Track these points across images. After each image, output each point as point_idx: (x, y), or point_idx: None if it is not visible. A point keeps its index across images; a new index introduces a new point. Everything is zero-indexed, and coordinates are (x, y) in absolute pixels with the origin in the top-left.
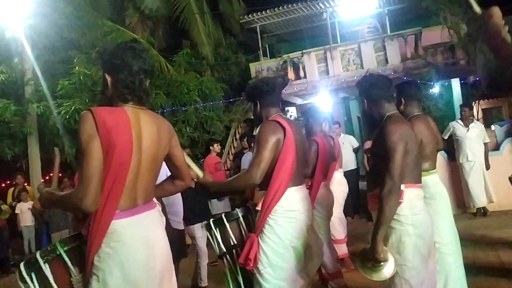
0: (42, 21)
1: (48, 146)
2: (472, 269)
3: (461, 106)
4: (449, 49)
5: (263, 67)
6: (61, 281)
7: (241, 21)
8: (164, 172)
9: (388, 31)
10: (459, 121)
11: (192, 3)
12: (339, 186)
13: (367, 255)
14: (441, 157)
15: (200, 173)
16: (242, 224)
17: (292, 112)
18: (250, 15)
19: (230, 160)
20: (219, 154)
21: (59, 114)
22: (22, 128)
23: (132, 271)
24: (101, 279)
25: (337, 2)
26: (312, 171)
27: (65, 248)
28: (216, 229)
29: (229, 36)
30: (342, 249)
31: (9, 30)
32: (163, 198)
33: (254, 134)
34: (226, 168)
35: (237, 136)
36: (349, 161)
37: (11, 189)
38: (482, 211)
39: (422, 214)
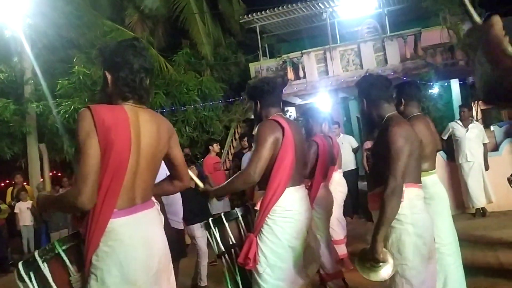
0: (41, 21)
1: (47, 146)
2: (471, 269)
3: (460, 106)
4: (448, 49)
5: (262, 67)
6: (59, 280)
7: (240, 21)
8: (164, 171)
9: (388, 32)
10: (459, 121)
11: (191, 3)
12: (338, 187)
13: (366, 255)
14: (440, 157)
15: (200, 184)
16: (241, 224)
17: (291, 112)
18: (249, 15)
19: (229, 160)
20: (219, 154)
21: (59, 113)
22: (21, 128)
23: (131, 270)
24: (100, 278)
25: (336, 3)
26: (312, 171)
27: (64, 247)
28: (215, 229)
29: (228, 36)
30: (341, 250)
31: (9, 29)
32: (162, 198)
33: (253, 133)
34: (225, 168)
35: (237, 136)
36: (348, 161)
37: (10, 189)
38: (481, 211)
39: (422, 214)
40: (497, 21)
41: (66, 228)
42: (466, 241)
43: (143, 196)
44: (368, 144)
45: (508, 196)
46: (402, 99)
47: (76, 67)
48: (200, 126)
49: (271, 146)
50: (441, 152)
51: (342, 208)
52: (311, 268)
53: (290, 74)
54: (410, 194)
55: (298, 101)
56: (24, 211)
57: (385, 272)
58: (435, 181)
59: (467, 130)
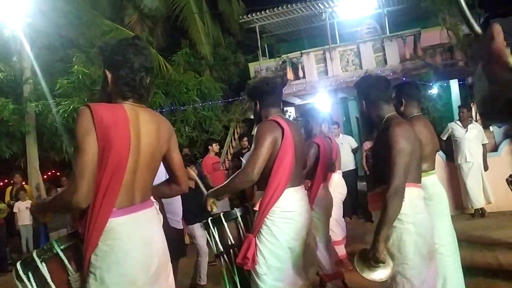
0: (41, 20)
1: (47, 145)
2: (470, 269)
3: (459, 107)
4: (448, 50)
5: (262, 67)
6: (58, 280)
7: (240, 21)
8: (164, 172)
9: (387, 32)
10: (458, 122)
11: (191, 3)
12: (337, 188)
13: (367, 254)
14: (439, 158)
15: (204, 191)
16: (240, 224)
17: (291, 112)
18: (249, 15)
19: (228, 160)
20: (218, 154)
21: (58, 113)
22: (20, 127)
23: (130, 269)
24: (99, 277)
25: (336, 3)
26: (312, 172)
27: (62, 247)
28: (214, 228)
29: (228, 36)
30: (340, 251)
31: (8, 28)
32: None
33: (253, 133)
34: (225, 168)
35: (236, 136)
36: (347, 161)
37: (9, 188)
38: (480, 212)
39: (423, 213)
40: (498, 32)
41: (65, 228)
42: (465, 241)
43: (142, 195)
44: (368, 145)
45: (507, 196)
46: (403, 100)
47: (76, 66)
48: (199, 126)
49: (270, 146)
50: (440, 153)
51: (342, 209)
52: (310, 270)
53: (290, 74)
54: (411, 194)
55: (298, 101)
56: (23, 210)
57: (383, 272)
58: (434, 181)
59: (467, 131)
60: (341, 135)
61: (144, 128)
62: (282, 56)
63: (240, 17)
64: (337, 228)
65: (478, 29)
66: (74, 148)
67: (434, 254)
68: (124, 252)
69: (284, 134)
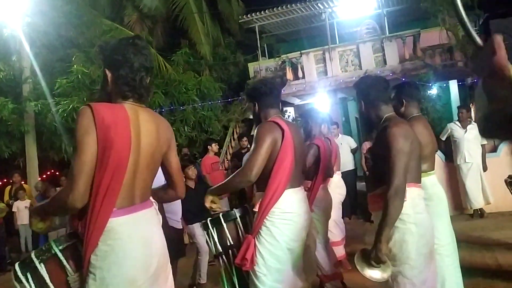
0: (40, 19)
1: (46, 145)
2: (469, 270)
3: (458, 107)
4: (447, 50)
5: (261, 67)
6: (57, 281)
7: (240, 21)
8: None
9: (387, 32)
10: (457, 122)
11: (191, 3)
12: (336, 189)
13: (369, 254)
14: (438, 158)
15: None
16: (239, 225)
17: (290, 112)
18: (249, 15)
19: (227, 160)
20: (217, 154)
21: (57, 112)
22: (19, 126)
23: (129, 269)
24: (98, 277)
25: (336, 3)
26: (313, 173)
27: (60, 247)
28: (213, 229)
29: (227, 35)
30: (339, 251)
31: (8, 27)
32: None
33: (252, 134)
34: (224, 168)
35: (235, 136)
36: (347, 162)
37: (8, 187)
38: (479, 212)
39: (424, 213)
40: (500, 45)
41: (64, 228)
42: (464, 242)
43: (142, 195)
44: (367, 145)
45: (506, 197)
46: (404, 100)
47: (75, 66)
48: (198, 125)
49: (269, 147)
50: (440, 153)
51: (341, 209)
52: (310, 272)
53: (289, 74)
54: (412, 194)
55: (297, 101)
56: (22, 210)
57: (384, 272)
58: (434, 182)
59: (466, 131)
60: (340, 135)
61: (144, 128)
62: (282, 56)
63: (240, 17)
64: (335, 229)
65: (479, 41)
66: (73, 147)
67: (434, 254)
68: (124, 252)
69: (284, 135)
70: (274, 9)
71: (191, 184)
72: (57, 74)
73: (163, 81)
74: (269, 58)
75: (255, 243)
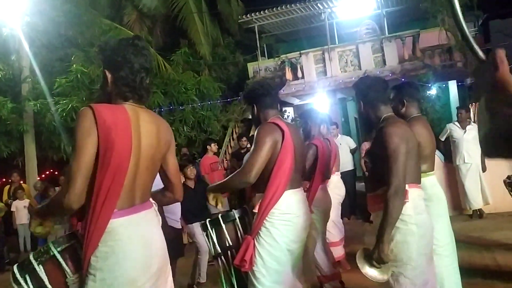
0: (40, 19)
1: (45, 144)
2: (468, 270)
3: (458, 108)
4: (446, 51)
5: (261, 67)
6: (56, 282)
7: (239, 21)
8: None
9: (386, 33)
10: (456, 123)
11: (190, 2)
12: (335, 189)
13: (371, 254)
14: (437, 158)
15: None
16: (238, 226)
17: (289, 112)
18: (248, 15)
19: (227, 160)
20: (216, 154)
21: (56, 112)
22: (18, 126)
23: (130, 270)
24: (98, 279)
25: (335, 3)
26: (311, 173)
27: (59, 249)
28: (212, 230)
29: (227, 35)
30: (338, 251)
31: (7, 27)
32: None
33: (251, 134)
34: (223, 168)
35: (235, 136)
36: (346, 162)
37: (7, 187)
38: (478, 213)
39: (424, 214)
40: (502, 60)
41: (63, 227)
42: (463, 242)
43: (142, 196)
44: (366, 145)
45: (505, 197)
46: (405, 101)
47: (74, 65)
48: (198, 125)
49: (269, 149)
50: (439, 154)
51: (339, 210)
52: (309, 273)
53: (288, 75)
54: (413, 195)
55: (296, 102)
56: (20, 209)
57: (384, 274)
58: (433, 182)
59: (465, 132)
60: (339, 135)
61: (144, 129)
62: (281, 56)
63: (239, 17)
64: (334, 229)
65: (482, 55)
66: (72, 147)
67: (433, 254)
68: (124, 253)
69: (284, 136)
70: (274, 9)
71: (191, 184)
72: (56, 74)
73: (162, 81)
74: (268, 58)
75: (254, 244)
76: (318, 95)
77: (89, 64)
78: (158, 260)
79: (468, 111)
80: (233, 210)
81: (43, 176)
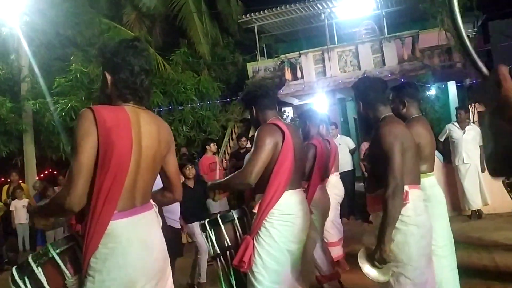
0: (39, 18)
1: (44, 144)
2: (466, 271)
3: (457, 108)
4: (446, 51)
5: (260, 67)
6: (55, 284)
7: (239, 21)
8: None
9: (386, 33)
10: (455, 123)
11: (190, 2)
12: (334, 190)
13: (373, 254)
14: (436, 159)
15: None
16: (237, 226)
17: (288, 112)
18: (248, 15)
19: (226, 160)
20: (216, 154)
21: (55, 111)
22: (17, 125)
23: (129, 272)
24: (97, 280)
25: (335, 4)
26: (309, 173)
27: (58, 251)
28: (211, 230)
29: (226, 35)
30: (336, 251)
31: (6, 26)
32: None
33: (250, 135)
34: (222, 168)
35: (234, 136)
36: (345, 162)
37: (6, 187)
38: (477, 213)
39: (424, 215)
40: (505, 76)
41: (62, 227)
42: (462, 243)
43: (142, 198)
44: (365, 145)
45: (504, 198)
46: (406, 101)
47: (73, 65)
48: (197, 125)
49: (270, 151)
50: (438, 154)
51: (338, 210)
52: (308, 274)
53: (288, 75)
54: (413, 195)
55: (296, 102)
56: (19, 209)
57: (385, 275)
58: (433, 183)
59: (464, 132)
60: (338, 135)
61: (145, 130)
62: (280, 56)
63: (239, 17)
64: (333, 229)
65: (485, 71)
66: (71, 149)
67: (431, 254)
68: (124, 255)
69: (284, 137)
70: (273, 9)
71: (190, 184)
72: (56, 73)
73: (161, 81)
74: (268, 58)
75: (253, 244)
76: (318, 95)
77: (88, 63)
78: (158, 263)
79: (467, 111)
80: (232, 210)
81: (42, 175)
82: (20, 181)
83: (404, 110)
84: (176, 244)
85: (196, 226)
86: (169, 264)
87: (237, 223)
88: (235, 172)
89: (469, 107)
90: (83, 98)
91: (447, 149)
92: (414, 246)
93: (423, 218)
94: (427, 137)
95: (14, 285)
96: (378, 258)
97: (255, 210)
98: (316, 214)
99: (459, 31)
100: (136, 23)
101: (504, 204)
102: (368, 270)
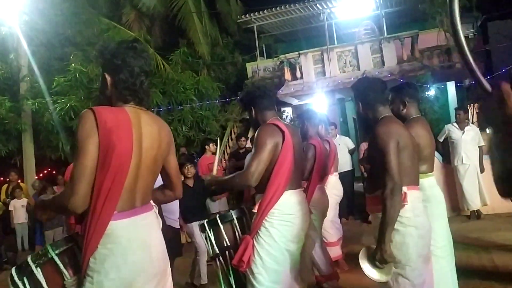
0: (38, 18)
1: (43, 143)
2: (465, 271)
3: (456, 109)
4: (445, 52)
5: (259, 67)
6: (54, 285)
7: (238, 21)
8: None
9: (385, 33)
10: (455, 124)
11: (189, 2)
12: (333, 190)
13: (374, 255)
14: (436, 159)
15: (214, 171)
16: (236, 226)
17: (288, 112)
18: (247, 15)
19: (225, 160)
20: (215, 154)
21: (55, 111)
22: (16, 125)
23: (128, 273)
24: (96, 281)
25: (334, 4)
26: (309, 173)
27: (57, 251)
28: (210, 230)
29: (226, 35)
30: (335, 251)
31: (6, 26)
32: None
33: (249, 135)
34: (222, 168)
35: (233, 136)
36: (344, 162)
37: (5, 186)
38: (476, 214)
39: (423, 216)
40: (509, 94)
41: (61, 227)
42: (461, 243)
43: (142, 198)
44: (365, 146)
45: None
46: (406, 101)
47: (73, 64)
48: (196, 125)
49: (271, 152)
50: (437, 154)
51: (337, 210)
52: (306, 273)
53: (287, 75)
54: (411, 197)
55: (295, 102)
56: (18, 208)
57: (386, 275)
58: (432, 183)
59: (463, 133)
60: (338, 136)
61: (146, 131)
62: (280, 56)
63: (238, 17)
64: (332, 229)
65: (489, 87)
66: (74, 151)
67: (430, 254)
68: (123, 256)
69: (284, 137)
70: (273, 9)
71: (189, 183)
72: (55, 73)
73: (161, 80)
74: (267, 58)
75: (253, 244)
76: (317, 95)
77: (87, 63)
78: (158, 264)
79: (467, 112)
80: (231, 210)
81: (41, 175)
82: (19, 181)
83: (404, 110)
84: (175, 244)
85: (195, 226)
86: (169, 265)
87: (236, 223)
88: (237, 173)
89: (468, 107)
90: (82, 97)
91: (446, 150)
92: (413, 247)
93: (421, 219)
94: (426, 137)
95: (13, 286)
96: (379, 258)
97: (255, 210)
98: (315, 214)
99: (463, 50)
100: (136, 22)
101: (503, 205)
102: (369, 270)
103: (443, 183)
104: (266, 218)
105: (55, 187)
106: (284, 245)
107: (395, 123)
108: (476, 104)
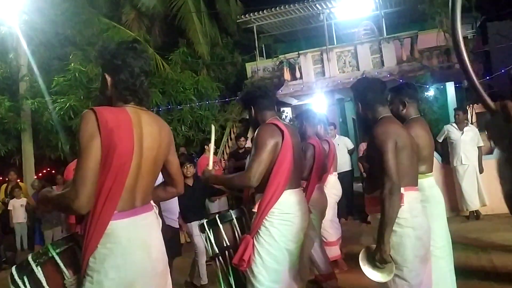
0: (38, 17)
1: (42, 143)
2: (464, 272)
3: (455, 109)
4: (444, 52)
5: (259, 67)
6: (54, 284)
7: (238, 21)
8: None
9: (385, 34)
10: (454, 124)
11: (189, 2)
12: (332, 190)
13: (374, 255)
14: (435, 160)
15: (210, 165)
16: (235, 226)
17: (287, 112)
18: (247, 15)
19: (224, 160)
20: (214, 154)
21: (54, 110)
22: (16, 124)
23: (128, 273)
24: (95, 280)
25: (334, 4)
26: (308, 173)
27: (57, 250)
28: (209, 230)
29: (225, 35)
30: (334, 251)
31: (5, 25)
32: None
33: (249, 135)
34: (221, 168)
35: (232, 136)
36: (343, 162)
37: (4, 185)
38: (475, 214)
39: (421, 216)
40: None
41: (60, 226)
42: (460, 243)
43: (143, 199)
44: (364, 146)
45: (502, 199)
46: (406, 102)
47: (72, 64)
48: (196, 125)
49: (271, 151)
50: (436, 155)
51: (336, 210)
52: (304, 272)
53: (287, 75)
54: (409, 198)
55: (294, 102)
56: (17, 208)
57: (386, 276)
58: (432, 183)
59: (462, 133)
60: (337, 136)
61: (146, 131)
62: (279, 56)
63: (238, 17)
64: (331, 229)
65: (492, 105)
66: (77, 152)
67: (429, 255)
68: (123, 255)
69: (283, 137)
70: (272, 9)
71: (189, 182)
72: (54, 72)
73: (160, 80)
74: (266, 58)
75: (253, 243)
76: (316, 95)
77: (87, 63)
78: (158, 264)
79: (466, 112)
80: (231, 210)
81: (41, 174)
82: (18, 180)
83: (404, 110)
84: (175, 243)
85: (194, 226)
86: (168, 265)
87: (236, 223)
88: (237, 173)
89: (467, 108)
90: (82, 97)
91: (445, 150)
92: (410, 248)
93: (419, 220)
94: (426, 138)
95: (13, 285)
96: (379, 258)
97: (255, 210)
98: (314, 214)
99: (467, 72)
100: (135, 22)
101: (502, 205)
102: (369, 271)
103: (442, 183)
104: (266, 217)
105: (54, 187)
106: (284, 245)
107: (394, 123)
108: (476, 104)
